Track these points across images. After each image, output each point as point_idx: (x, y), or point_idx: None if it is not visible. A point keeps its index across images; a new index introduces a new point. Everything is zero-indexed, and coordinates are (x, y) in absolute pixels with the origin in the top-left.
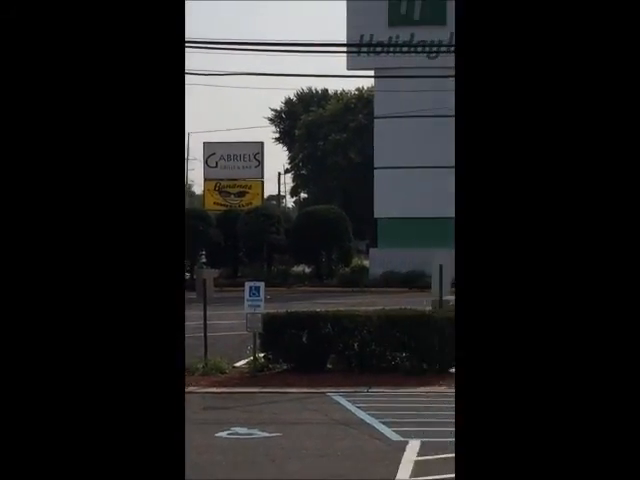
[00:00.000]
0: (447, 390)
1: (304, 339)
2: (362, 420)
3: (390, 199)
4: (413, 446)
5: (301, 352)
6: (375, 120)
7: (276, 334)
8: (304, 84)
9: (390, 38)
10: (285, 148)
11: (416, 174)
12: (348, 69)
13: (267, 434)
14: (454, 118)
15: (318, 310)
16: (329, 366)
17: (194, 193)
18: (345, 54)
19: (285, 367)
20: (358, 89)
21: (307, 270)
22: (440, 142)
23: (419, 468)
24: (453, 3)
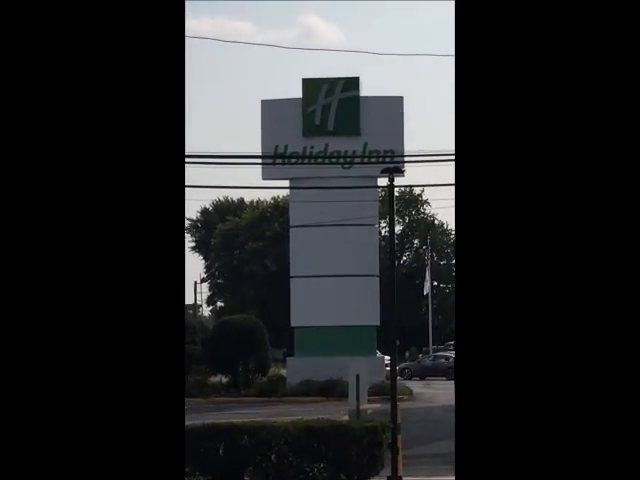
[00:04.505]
0: None
1: (221, 451)
2: None
3: (306, 307)
4: None
5: (218, 465)
6: (291, 229)
7: (192, 447)
8: (220, 194)
9: (305, 148)
10: (201, 257)
11: (332, 283)
12: (263, 179)
13: None
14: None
15: (235, 421)
16: (246, 478)
17: None
18: (260, 165)
19: None
20: (274, 198)
21: (224, 380)
22: (354, 251)
23: None
24: (367, 113)
